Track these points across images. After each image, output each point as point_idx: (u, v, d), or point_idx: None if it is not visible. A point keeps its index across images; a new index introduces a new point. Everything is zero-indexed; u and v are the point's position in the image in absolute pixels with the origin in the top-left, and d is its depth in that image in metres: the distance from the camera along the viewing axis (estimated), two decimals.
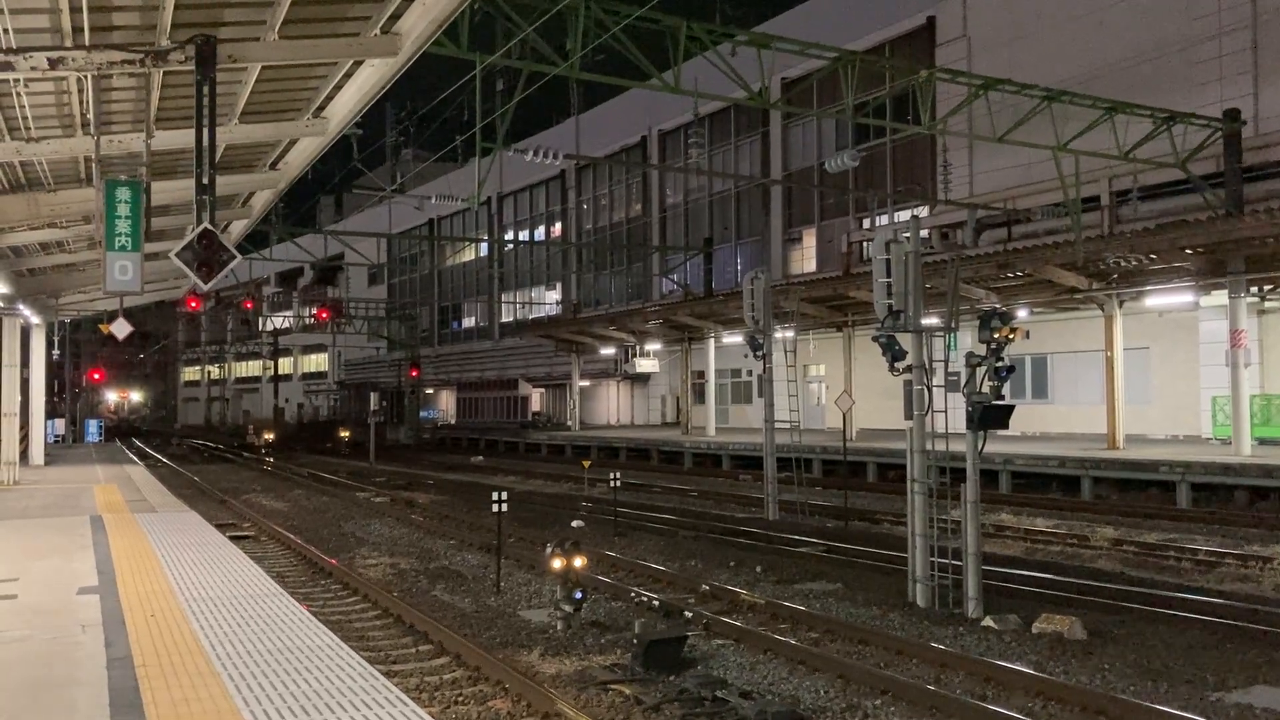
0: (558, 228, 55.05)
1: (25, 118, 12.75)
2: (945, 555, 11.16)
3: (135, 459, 32.84)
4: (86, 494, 18.71)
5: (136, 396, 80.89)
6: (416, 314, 62.94)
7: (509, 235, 58.25)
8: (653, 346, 43.05)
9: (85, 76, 11.07)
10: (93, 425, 49.30)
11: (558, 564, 10.38)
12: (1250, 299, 22.28)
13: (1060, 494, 21.25)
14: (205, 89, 9.66)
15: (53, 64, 9.66)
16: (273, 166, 17.65)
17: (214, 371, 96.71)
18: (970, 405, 10.89)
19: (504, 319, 58.79)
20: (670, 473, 30.24)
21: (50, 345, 35.39)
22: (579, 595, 10.42)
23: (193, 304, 42.63)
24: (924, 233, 29.39)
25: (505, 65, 17.35)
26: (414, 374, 55.29)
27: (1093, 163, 23.73)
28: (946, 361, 11.83)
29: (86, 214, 17.68)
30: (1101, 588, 11.75)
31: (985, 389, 10.87)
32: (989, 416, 10.89)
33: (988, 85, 20.77)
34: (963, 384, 10.94)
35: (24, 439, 27.04)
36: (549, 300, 55.84)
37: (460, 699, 8.07)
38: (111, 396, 75.58)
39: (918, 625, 10.50)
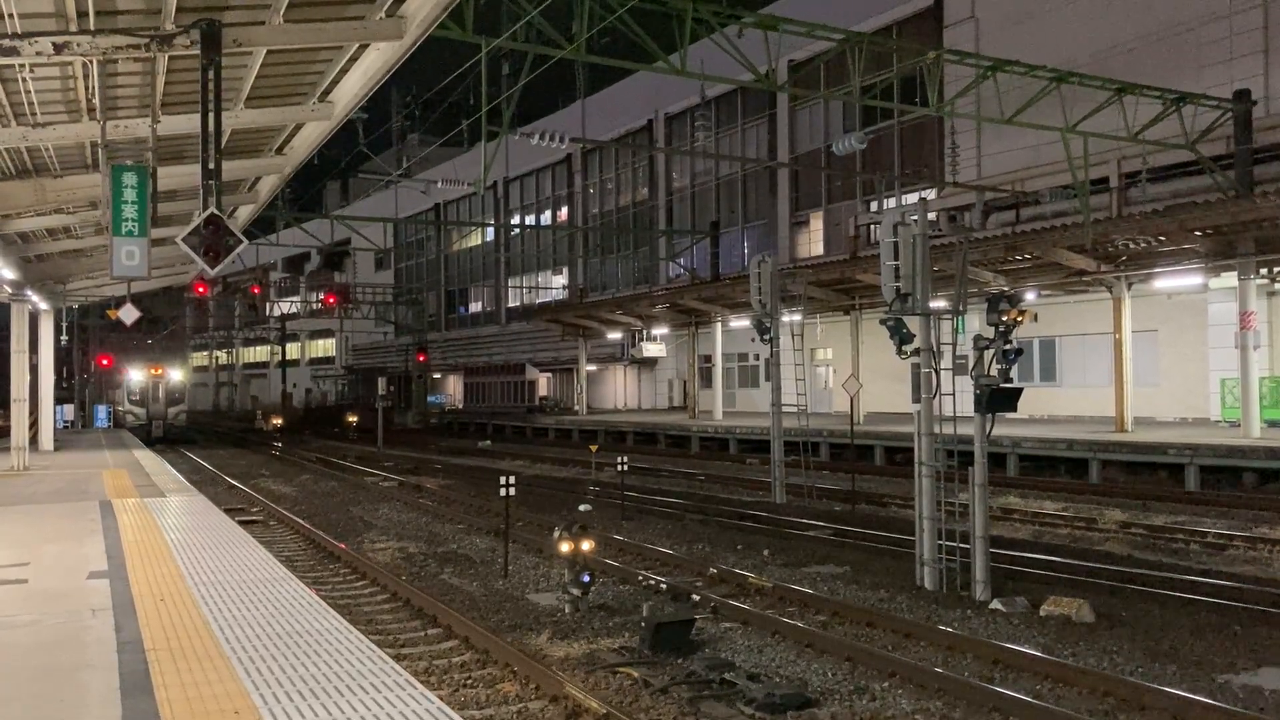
0: (564, 212, 54.95)
1: (31, 103, 12.74)
2: (953, 538, 11.16)
3: (143, 444, 32.93)
4: (95, 479, 18.77)
5: (177, 375, 46.10)
6: (423, 299, 62.98)
7: (515, 219, 58.18)
8: (659, 331, 43.07)
9: (90, 61, 11.04)
10: (101, 411, 49.38)
11: (566, 547, 10.40)
12: (1260, 281, 22.19)
13: (1068, 477, 21.22)
14: (210, 73, 9.63)
15: (58, 49, 9.63)
16: (279, 151, 17.62)
17: (222, 357, 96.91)
18: (978, 388, 10.86)
19: (511, 304, 58.81)
20: (677, 457, 30.26)
21: (58, 331, 35.47)
22: (587, 579, 10.44)
23: (200, 289, 42.63)
24: (931, 215, 29.23)
25: (511, 49, 17.28)
26: (421, 359, 55.37)
27: (1101, 144, 23.57)
28: (954, 344, 11.81)
29: (93, 199, 17.69)
30: (1110, 570, 11.75)
31: (993, 372, 10.84)
32: (997, 399, 10.87)
33: (996, 67, 20.63)
34: (970, 367, 10.92)
35: (33, 425, 27.14)
36: (556, 285, 55.79)
37: (469, 682, 8.11)
38: (135, 377, 45.26)
39: (925, 608, 10.51)
